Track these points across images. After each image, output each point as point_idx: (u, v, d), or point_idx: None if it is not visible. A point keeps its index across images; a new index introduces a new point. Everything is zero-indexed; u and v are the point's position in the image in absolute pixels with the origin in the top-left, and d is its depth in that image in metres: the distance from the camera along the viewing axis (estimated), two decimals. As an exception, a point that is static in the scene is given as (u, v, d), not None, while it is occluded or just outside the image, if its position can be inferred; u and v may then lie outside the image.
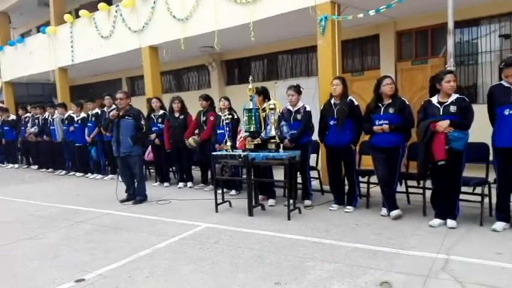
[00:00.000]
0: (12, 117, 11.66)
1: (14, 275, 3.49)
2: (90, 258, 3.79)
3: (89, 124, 8.59)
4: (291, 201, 4.91)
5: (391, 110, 4.52)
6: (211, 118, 6.64)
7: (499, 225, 3.96)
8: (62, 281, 3.27)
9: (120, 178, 6.41)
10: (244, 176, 5.67)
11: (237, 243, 4.02)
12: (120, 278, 3.29)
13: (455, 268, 3.10)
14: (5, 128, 11.42)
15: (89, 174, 8.93)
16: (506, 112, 3.82)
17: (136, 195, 6.17)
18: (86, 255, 3.89)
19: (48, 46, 11.60)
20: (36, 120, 10.25)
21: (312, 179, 5.66)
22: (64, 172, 9.64)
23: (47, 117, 9.97)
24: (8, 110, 12.18)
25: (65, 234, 4.64)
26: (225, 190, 5.78)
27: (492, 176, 4.23)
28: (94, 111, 8.60)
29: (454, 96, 4.08)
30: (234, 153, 5.18)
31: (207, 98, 6.90)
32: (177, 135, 6.92)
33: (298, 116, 5.33)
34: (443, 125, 3.94)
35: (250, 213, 5.02)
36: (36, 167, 10.92)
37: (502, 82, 3.94)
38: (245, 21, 6.94)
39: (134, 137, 5.99)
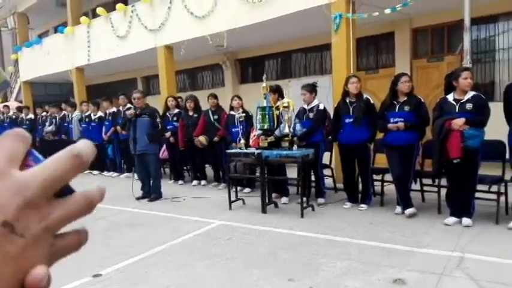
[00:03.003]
0: (30, 116, 11.88)
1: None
2: (107, 253, 3.88)
3: (105, 123, 8.74)
4: (304, 199, 4.92)
5: (406, 108, 4.50)
6: (225, 117, 6.69)
7: (516, 224, 3.92)
8: (80, 275, 3.35)
9: (136, 176, 6.51)
10: (257, 174, 5.70)
11: (250, 240, 4.06)
12: (136, 273, 3.36)
13: (470, 266, 3.08)
14: (24, 127, 11.66)
15: (105, 172, 9.09)
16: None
17: (151, 192, 6.26)
18: (103, 250, 3.97)
19: (65, 46, 11.81)
20: (53, 120, 10.44)
21: (325, 177, 5.66)
22: (81, 170, 9.79)
23: (64, 116, 10.14)
24: (29, 108, 12.41)
25: (82, 230, 4.73)
26: (238, 188, 5.82)
27: (509, 175, 4.18)
28: (111, 110, 8.74)
29: (471, 94, 4.04)
30: (247, 151, 5.22)
31: (216, 96, 6.98)
32: (191, 134, 6.96)
33: (311, 115, 5.35)
34: (458, 122, 3.91)
35: (264, 211, 5.05)
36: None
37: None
38: (259, 20, 6.95)
39: (150, 134, 6.08)
